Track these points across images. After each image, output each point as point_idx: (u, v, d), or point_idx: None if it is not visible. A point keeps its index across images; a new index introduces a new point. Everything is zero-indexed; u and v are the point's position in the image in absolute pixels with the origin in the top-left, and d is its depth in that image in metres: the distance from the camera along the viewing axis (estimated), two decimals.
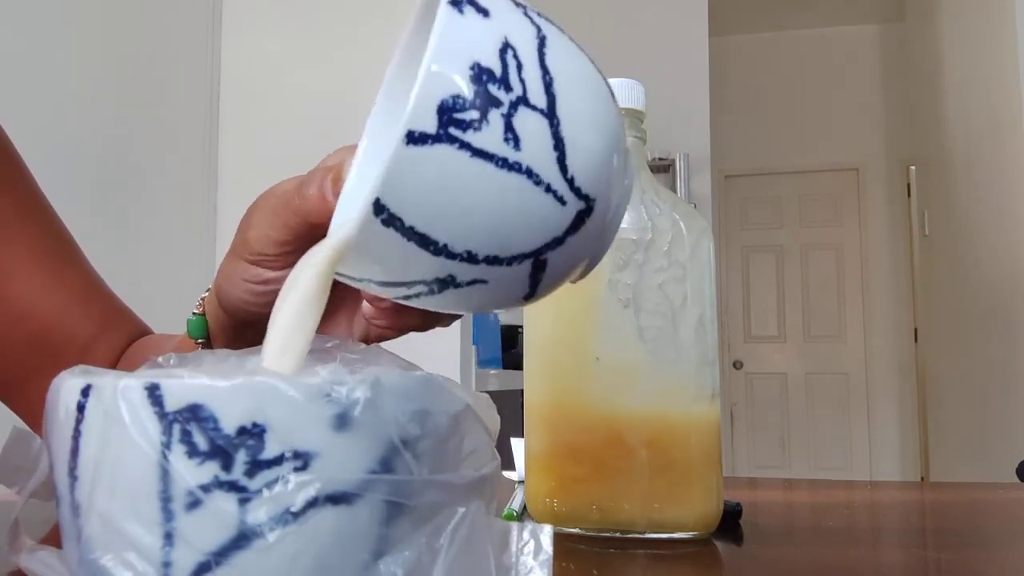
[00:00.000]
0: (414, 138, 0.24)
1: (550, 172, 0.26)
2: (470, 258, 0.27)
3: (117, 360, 0.53)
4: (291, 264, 0.37)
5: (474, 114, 0.25)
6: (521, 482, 0.57)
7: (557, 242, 0.28)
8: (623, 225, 0.48)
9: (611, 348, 0.47)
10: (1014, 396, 2.69)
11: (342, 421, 0.22)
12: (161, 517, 0.22)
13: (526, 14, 0.28)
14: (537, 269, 0.28)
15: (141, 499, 0.22)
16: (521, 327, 0.52)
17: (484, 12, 0.26)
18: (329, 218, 0.33)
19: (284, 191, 0.35)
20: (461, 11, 0.26)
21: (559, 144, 0.26)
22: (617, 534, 0.46)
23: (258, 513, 0.21)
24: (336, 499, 0.22)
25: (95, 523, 0.23)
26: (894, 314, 4.54)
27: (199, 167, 2.10)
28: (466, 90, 0.25)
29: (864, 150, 4.63)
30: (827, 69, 4.68)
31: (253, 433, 0.22)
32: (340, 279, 0.30)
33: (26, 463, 0.27)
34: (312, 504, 0.22)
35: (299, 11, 2.14)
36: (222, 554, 0.21)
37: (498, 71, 0.25)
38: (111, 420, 0.22)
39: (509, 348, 2.55)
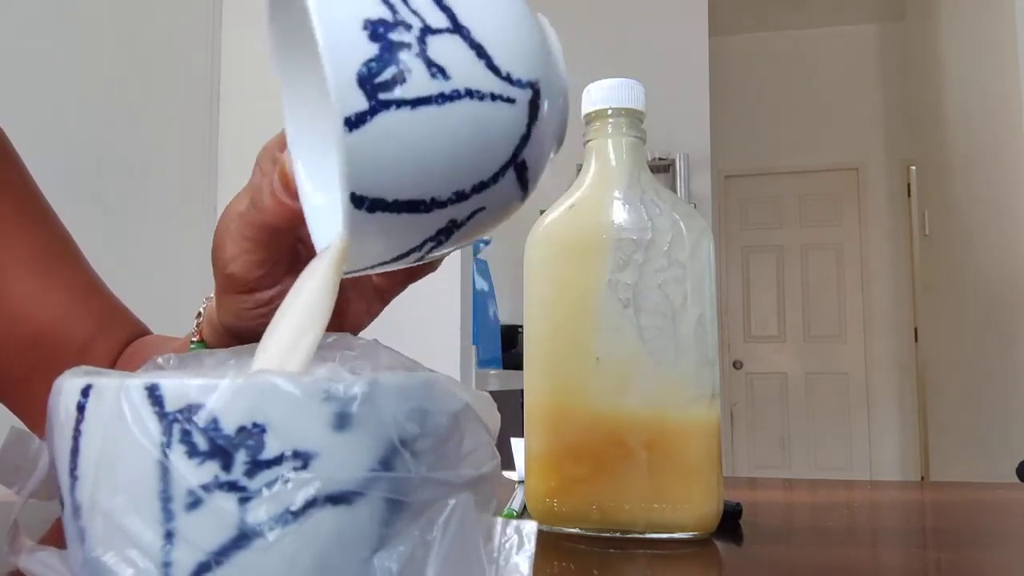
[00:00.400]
0: (352, 122, 0.24)
1: (487, 81, 0.26)
2: (460, 197, 0.27)
3: (116, 360, 0.53)
4: (281, 277, 0.37)
5: (392, 69, 0.25)
6: (521, 482, 0.57)
7: (525, 139, 0.28)
8: (623, 225, 0.48)
9: (611, 348, 0.47)
10: (1014, 396, 2.69)
11: (341, 420, 0.22)
12: (161, 517, 0.22)
13: None
14: (521, 171, 0.28)
15: (141, 499, 0.22)
16: (521, 327, 0.52)
17: None
18: (294, 219, 0.33)
19: (239, 212, 0.35)
20: None
21: (480, 50, 0.26)
22: (617, 534, 0.46)
23: (258, 513, 0.21)
24: (336, 499, 0.22)
25: (96, 522, 0.23)
26: (894, 314, 4.54)
27: (199, 167, 2.10)
28: (373, 51, 0.24)
29: (864, 150, 4.63)
30: (827, 69, 4.68)
31: (253, 433, 0.22)
32: (350, 276, 0.30)
33: (25, 462, 0.27)
34: (312, 504, 0.22)
35: None
36: (222, 553, 0.21)
37: (389, 16, 0.25)
38: (111, 420, 0.22)
39: (509, 348, 2.55)
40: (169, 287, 1.79)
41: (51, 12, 1.65)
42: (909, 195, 4.46)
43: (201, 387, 0.22)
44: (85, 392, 0.24)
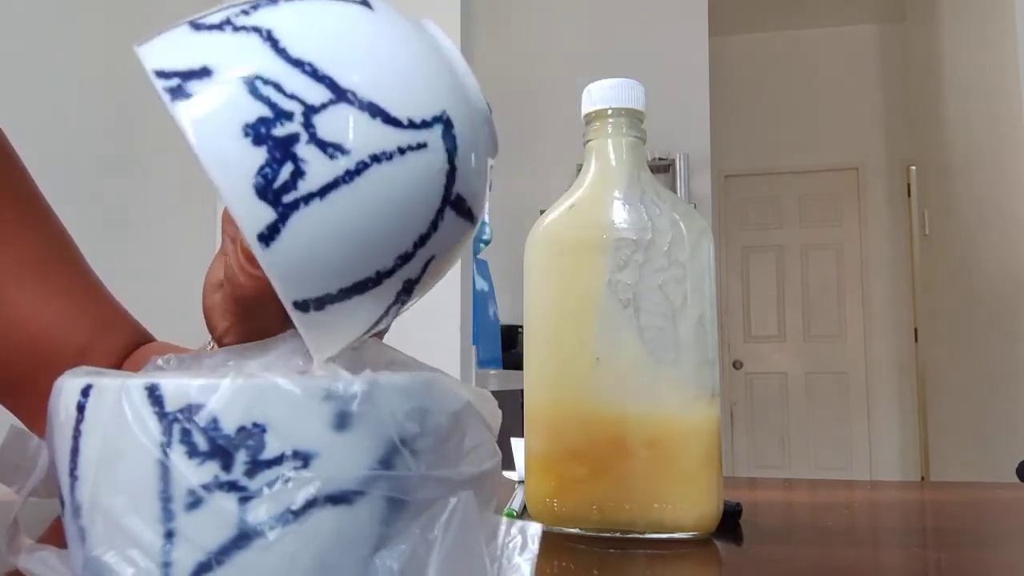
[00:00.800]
0: (266, 236, 0.23)
1: (390, 138, 0.24)
2: (406, 258, 0.25)
3: (115, 364, 0.53)
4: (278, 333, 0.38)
5: (288, 168, 0.23)
6: (521, 482, 0.57)
7: (451, 174, 0.26)
8: (623, 225, 0.48)
9: (611, 348, 0.47)
10: (1014, 396, 2.69)
11: (341, 420, 0.22)
12: (161, 516, 0.22)
13: (235, 29, 0.24)
14: (459, 205, 0.26)
15: (141, 499, 0.22)
16: (521, 327, 0.52)
17: (205, 72, 0.23)
18: (270, 289, 0.32)
19: (216, 284, 0.36)
20: (188, 95, 0.23)
21: (373, 108, 0.24)
22: (617, 534, 0.46)
23: (258, 512, 0.21)
24: (336, 498, 0.22)
25: (97, 522, 0.23)
26: (894, 314, 4.54)
27: (199, 167, 2.10)
28: (261, 157, 0.23)
29: (864, 150, 4.63)
30: (827, 69, 4.68)
31: (253, 433, 0.22)
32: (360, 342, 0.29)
33: (24, 461, 0.27)
34: (312, 503, 0.22)
35: None
36: (223, 553, 0.21)
37: (267, 111, 0.23)
38: (111, 420, 0.22)
39: (509, 348, 2.55)
40: (169, 289, 1.79)
41: (51, 12, 1.65)
42: (909, 195, 4.46)
43: (201, 387, 0.22)
44: (85, 392, 0.24)
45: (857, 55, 4.67)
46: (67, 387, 0.24)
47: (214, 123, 0.23)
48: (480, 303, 2.31)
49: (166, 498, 0.22)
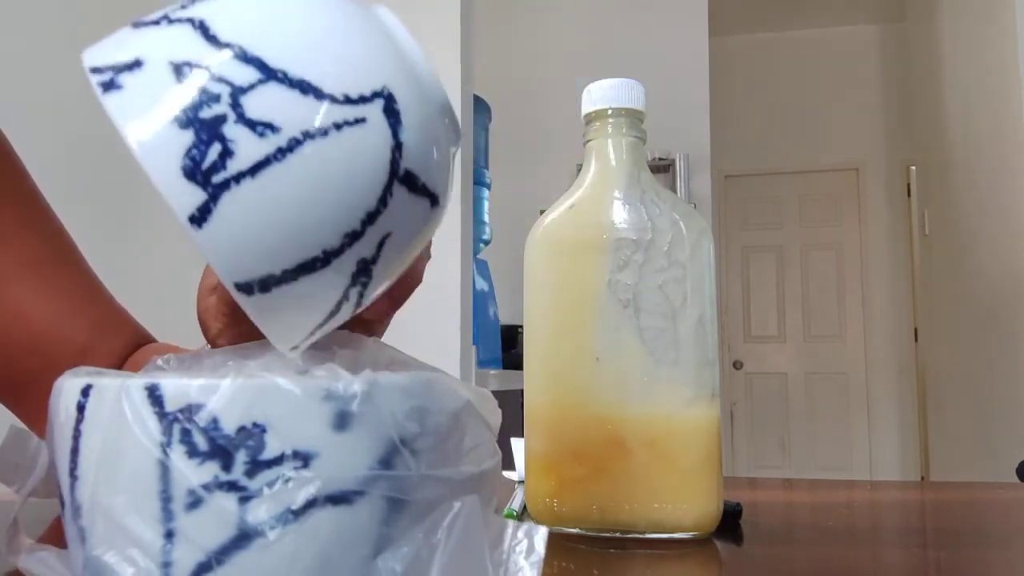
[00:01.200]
0: (197, 218, 0.23)
1: (324, 114, 0.24)
2: (354, 236, 0.25)
3: (116, 365, 0.53)
4: None
5: (215, 148, 0.23)
6: (521, 482, 0.57)
7: (397, 149, 0.25)
8: (623, 225, 0.48)
9: (611, 348, 0.47)
10: (1014, 396, 2.69)
11: (342, 419, 0.22)
12: (162, 516, 0.22)
13: (169, 23, 0.25)
14: (410, 181, 0.26)
15: (141, 499, 0.22)
16: (521, 327, 0.52)
17: (136, 64, 0.23)
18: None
19: (211, 288, 0.37)
20: (118, 87, 0.23)
21: (304, 85, 0.24)
22: (617, 534, 0.46)
23: (258, 512, 0.21)
24: (336, 498, 0.22)
25: (97, 522, 0.23)
26: (894, 314, 4.54)
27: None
28: (188, 138, 0.22)
29: (864, 150, 4.64)
30: (827, 69, 4.68)
31: (253, 433, 0.22)
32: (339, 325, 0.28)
33: (24, 461, 0.27)
34: (312, 503, 0.22)
35: None
36: (223, 553, 0.21)
37: (195, 95, 0.23)
38: (111, 420, 0.22)
39: (509, 348, 2.56)
40: (170, 290, 1.79)
41: (51, 12, 1.65)
42: (909, 195, 4.46)
43: (201, 387, 0.22)
44: (85, 392, 0.24)
45: (857, 55, 4.67)
46: (67, 387, 0.24)
47: (140, 111, 0.23)
48: (480, 303, 2.31)
49: (166, 498, 0.22)
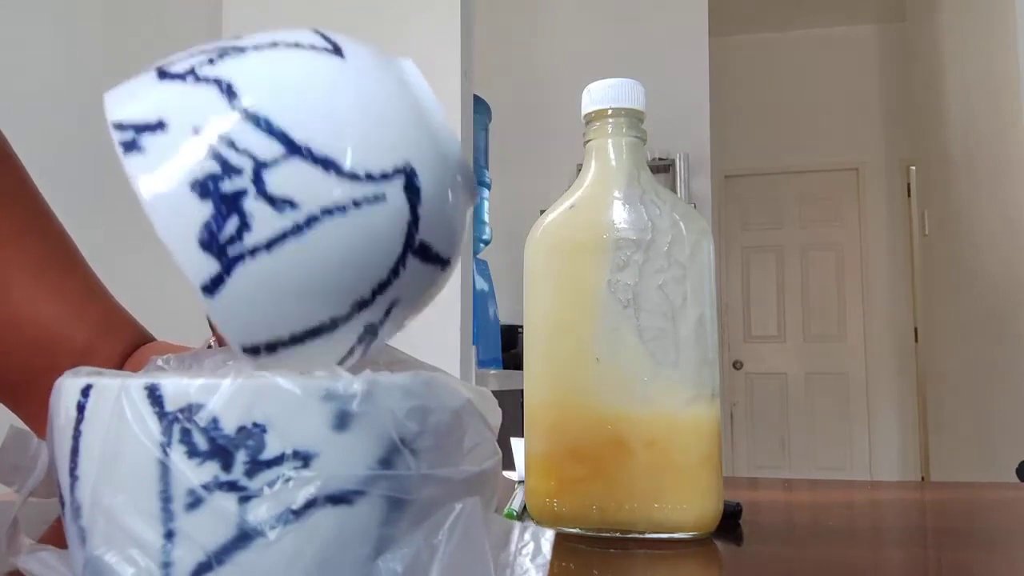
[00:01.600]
0: (210, 288, 0.23)
1: (344, 192, 0.24)
2: (363, 304, 0.25)
3: (118, 365, 0.53)
4: None
5: (233, 222, 0.23)
6: (521, 482, 0.57)
7: (414, 223, 0.25)
8: (623, 225, 0.48)
9: (611, 348, 0.47)
10: (1014, 396, 2.69)
11: (341, 419, 0.22)
12: (162, 516, 0.22)
13: (196, 80, 0.24)
14: (424, 252, 0.26)
15: (141, 499, 0.22)
16: (521, 327, 0.52)
17: (160, 126, 0.23)
18: None
19: None
20: (140, 148, 0.23)
21: (327, 163, 0.24)
22: (617, 534, 0.46)
23: (259, 512, 0.21)
24: (336, 498, 0.22)
25: (97, 522, 0.23)
26: (894, 314, 4.54)
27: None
28: (207, 210, 0.23)
29: (864, 150, 4.64)
30: (827, 69, 4.68)
31: (253, 432, 0.22)
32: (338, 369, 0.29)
33: (24, 461, 0.27)
34: (312, 503, 0.22)
35: (300, 12, 2.14)
36: (223, 553, 0.21)
37: (217, 168, 0.23)
38: (111, 420, 0.22)
39: (509, 348, 2.55)
40: (170, 291, 1.79)
41: (51, 12, 1.65)
42: (909, 195, 4.46)
43: (201, 387, 0.22)
44: (85, 392, 0.24)
45: (857, 55, 4.67)
46: (67, 387, 0.24)
47: (162, 178, 0.23)
48: (480, 303, 2.31)
49: (166, 498, 0.22)
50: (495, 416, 0.27)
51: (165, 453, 0.22)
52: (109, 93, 0.25)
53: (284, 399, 0.22)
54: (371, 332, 0.26)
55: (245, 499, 0.21)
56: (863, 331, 4.60)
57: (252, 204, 0.23)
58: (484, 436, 0.26)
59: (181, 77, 0.25)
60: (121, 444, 0.22)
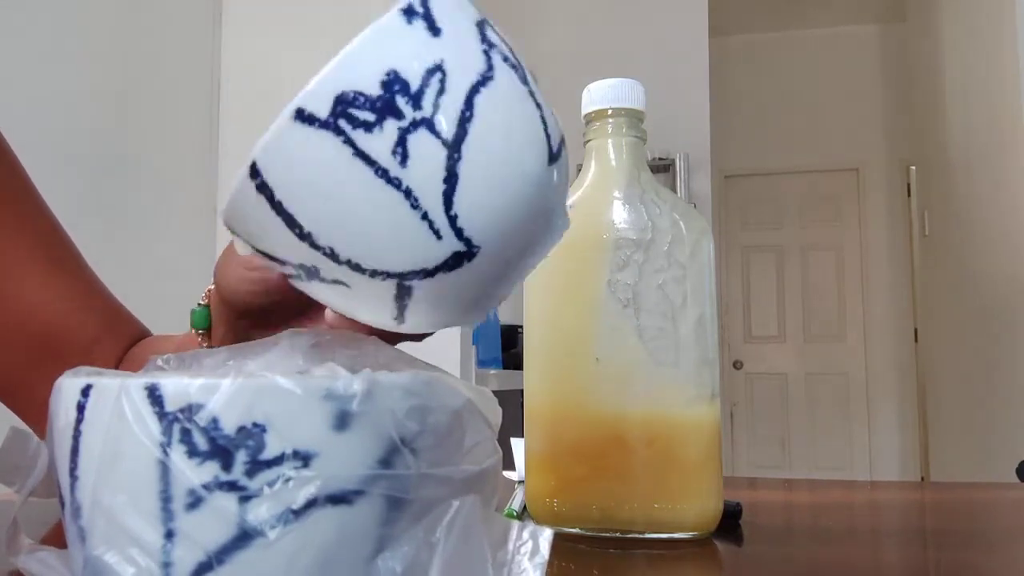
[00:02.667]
0: (303, 116, 0.24)
1: (431, 201, 0.25)
2: (332, 255, 0.26)
3: (119, 362, 0.53)
4: (288, 319, 0.39)
5: (370, 116, 0.24)
6: (521, 482, 0.57)
7: (426, 273, 0.26)
8: (623, 225, 0.48)
9: (611, 348, 0.46)
10: (1014, 396, 2.69)
11: (341, 419, 0.22)
12: (162, 516, 0.22)
13: (486, 51, 0.26)
14: (402, 293, 0.27)
15: (141, 499, 0.22)
16: (521, 327, 0.52)
17: (435, 31, 0.25)
18: (260, 297, 0.35)
19: (239, 259, 0.37)
20: (409, 21, 0.25)
21: (451, 178, 0.25)
22: (617, 534, 0.46)
23: (259, 512, 0.21)
24: (336, 498, 0.22)
25: (97, 522, 0.23)
26: (894, 314, 4.54)
27: (199, 168, 2.10)
28: (370, 90, 0.24)
29: (864, 150, 4.63)
30: (827, 69, 4.67)
31: (253, 432, 0.22)
32: (240, 245, 0.30)
33: (24, 461, 0.27)
34: (312, 503, 0.22)
35: (300, 11, 2.14)
36: (223, 553, 0.21)
37: (415, 86, 0.25)
38: (111, 420, 0.22)
39: (509, 348, 2.55)
40: (169, 289, 1.79)
41: (51, 12, 1.65)
42: (909, 195, 4.46)
43: (201, 387, 0.22)
44: (85, 392, 0.24)
45: (857, 55, 4.66)
46: (67, 387, 0.24)
47: (390, 43, 0.25)
48: None
49: (166, 498, 0.22)
50: (495, 415, 0.27)
51: (165, 453, 0.22)
52: None
53: (284, 399, 0.22)
54: (308, 274, 0.28)
55: (245, 499, 0.21)
56: (863, 331, 4.60)
57: (391, 127, 0.25)
58: (484, 435, 0.26)
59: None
60: (121, 444, 0.22)
